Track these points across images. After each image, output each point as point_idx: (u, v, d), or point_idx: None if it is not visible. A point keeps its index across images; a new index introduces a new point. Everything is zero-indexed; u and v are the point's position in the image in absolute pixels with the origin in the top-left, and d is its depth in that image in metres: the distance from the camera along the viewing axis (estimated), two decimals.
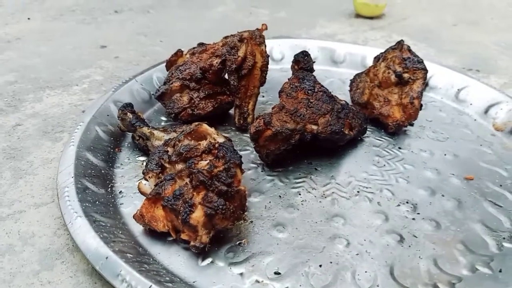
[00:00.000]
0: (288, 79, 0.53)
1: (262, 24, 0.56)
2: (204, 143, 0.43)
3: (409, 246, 0.41)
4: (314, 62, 0.57)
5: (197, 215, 0.38)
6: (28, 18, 0.89)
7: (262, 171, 0.49)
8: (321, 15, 0.96)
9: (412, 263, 0.39)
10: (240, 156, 0.41)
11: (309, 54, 0.56)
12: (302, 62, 0.55)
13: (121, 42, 0.80)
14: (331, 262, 0.39)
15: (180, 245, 0.40)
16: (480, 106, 0.62)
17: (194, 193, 0.39)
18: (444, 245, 0.41)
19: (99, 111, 0.54)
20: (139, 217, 0.41)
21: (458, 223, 0.44)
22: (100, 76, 0.69)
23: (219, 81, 0.56)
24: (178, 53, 0.58)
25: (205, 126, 0.44)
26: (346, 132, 0.51)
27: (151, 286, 0.33)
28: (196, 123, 0.45)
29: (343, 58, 0.73)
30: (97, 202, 0.43)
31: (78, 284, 0.37)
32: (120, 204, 0.45)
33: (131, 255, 0.37)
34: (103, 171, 0.48)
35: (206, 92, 0.55)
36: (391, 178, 0.49)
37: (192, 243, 0.38)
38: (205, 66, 0.55)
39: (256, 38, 0.54)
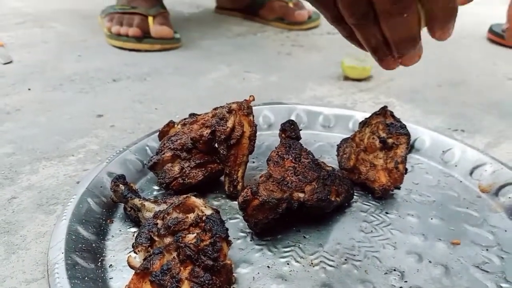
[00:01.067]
0: (275, 147, 0.55)
1: (250, 96, 0.58)
2: (191, 216, 0.44)
3: None
4: (301, 129, 0.59)
5: None
6: (29, 89, 0.92)
7: (251, 240, 0.50)
8: (310, 79, 1.00)
9: None
10: (227, 229, 0.42)
11: (296, 123, 0.58)
12: (289, 131, 0.57)
13: (117, 110, 0.83)
14: None
15: None
16: (465, 167, 0.63)
17: (181, 268, 0.40)
18: None
19: (93, 183, 0.55)
20: None
21: None
22: (96, 145, 0.71)
23: (209, 150, 0.58)
24: (170, 124, 0.61)
25: (193, 199, 0.46)
26: (333, 199, 0.52)
27: None
28: (185, 195, 0.46)
29: (332, 122, 0.75)
30: (86, 278, 0.43)
31: None
32: (110, 278, 0.45)
33: None
34: (93, 245, 0.48)
35: (197, 161, 0.57)
36: (378, 244, 0.50)
37: None
38: (195, 137, 0.57)
39: (244, 109, 0.57)
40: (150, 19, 1.18)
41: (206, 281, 0.38)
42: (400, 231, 0.52)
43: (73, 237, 0.47)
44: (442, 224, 0.53)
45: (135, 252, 0.46)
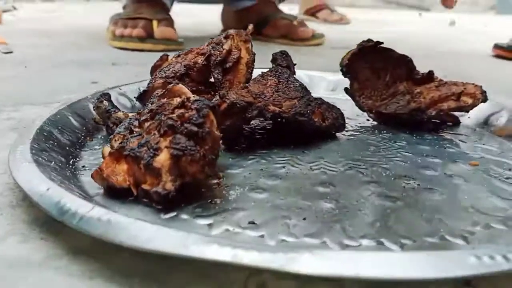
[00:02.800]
0: (262, 72, 0.51)
1: (249, 25, 0.55)
2: (177, 99, 0.39)
3: (408, 205, 0.35)
4: (295, 64, 0.56)
5: (162, 158, 0.33)
6: (25, 66, 0.90)
7: (243, 152, 0.45)
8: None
9: (411, 216, 0.34)
10: (215, 107, 0.37)
11: (288, 53, 0.55)
12: (279, 59, 0.54)
13: (112, 80, 0.80)
14: (317, 217, 0.33)
15: (142, 204, 0.34)
16: (480, 117, 0.58)
17: (161, 139, 0.35)
18: (450, 205, 0.35)
19: (74, 104, 0.51)
20: (97, 172, 0.36)
21: (466, 192, 0.38)
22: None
23: (203, 81, 0.54)
24: (164, 57, 0.57)
25: (180, 86, 0.41)
26: (316, 119, 0.46)
27: (93, 207, 0.28)
28: (172, 84, 0.42)
29: (335, 86, 0.71)
30: (52, 163, 0.38)
31: (15, 230, 0.31)
32: (81, 174, 0.40)
33: (78, 192, 0.31)
34: (67, 148, 0.43)
35: (189, 89, 0.53)
36: (387, 159, 0.44)
37: (154, 189, 0.33)
38: (189, 64, 0.53)
39: (242, 35, 0.54)
40: (155, 22, 1.18)
41: (188, 147, 0.33)
42: (412, 154, 0.46)
43: (45, 134, 0.42)
44: (458, 150, 0.48)
45: (111, 146, 0.40)
